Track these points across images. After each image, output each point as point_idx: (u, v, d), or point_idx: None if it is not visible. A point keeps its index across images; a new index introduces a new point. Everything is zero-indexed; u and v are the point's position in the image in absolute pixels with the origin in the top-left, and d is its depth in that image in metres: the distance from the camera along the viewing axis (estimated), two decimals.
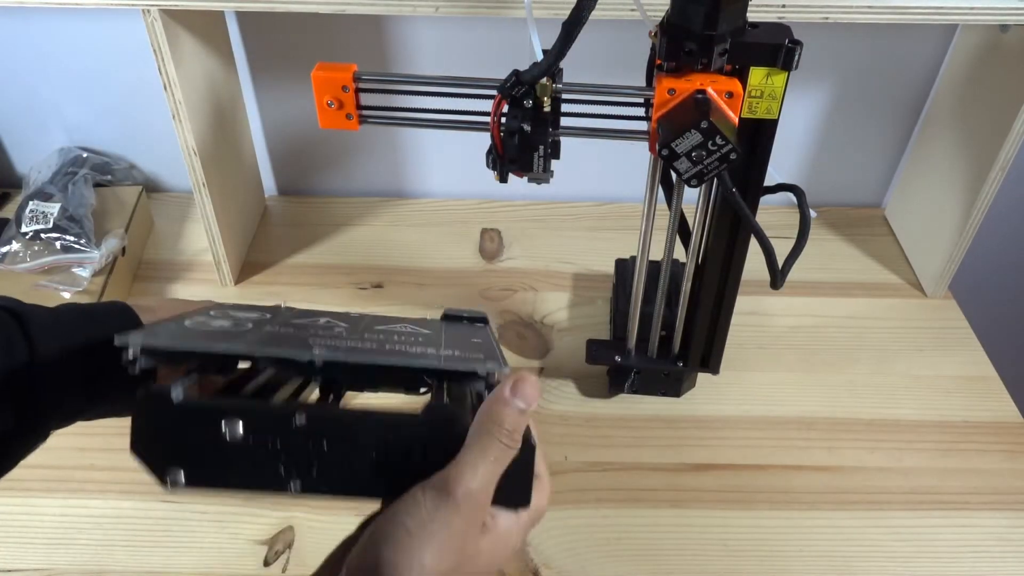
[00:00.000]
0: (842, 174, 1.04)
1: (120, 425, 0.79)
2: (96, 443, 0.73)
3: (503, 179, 0.62)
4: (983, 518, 0.70)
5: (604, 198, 1.05)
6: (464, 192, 1.05)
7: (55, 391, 0.42)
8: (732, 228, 0.65)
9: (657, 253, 0.68)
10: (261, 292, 0.90)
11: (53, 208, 0.85)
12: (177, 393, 0.34)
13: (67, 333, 0.42)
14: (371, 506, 0.37)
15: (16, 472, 0.70)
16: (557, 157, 0.61)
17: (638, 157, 0.69)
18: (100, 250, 0.84)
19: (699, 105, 0.53)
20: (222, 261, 0.88)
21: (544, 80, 0.56)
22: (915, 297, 0.92)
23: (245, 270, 0.93)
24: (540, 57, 0.56)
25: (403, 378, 0.39)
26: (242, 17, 0.91)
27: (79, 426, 0.74)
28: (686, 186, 0.57)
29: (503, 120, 0.58)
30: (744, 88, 0.55)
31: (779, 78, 0.55)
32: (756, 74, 0.55)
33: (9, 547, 0.66)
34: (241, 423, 0.34)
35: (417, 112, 0.62)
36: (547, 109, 0.58)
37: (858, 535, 0.68)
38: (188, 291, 0.90)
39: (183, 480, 0.35)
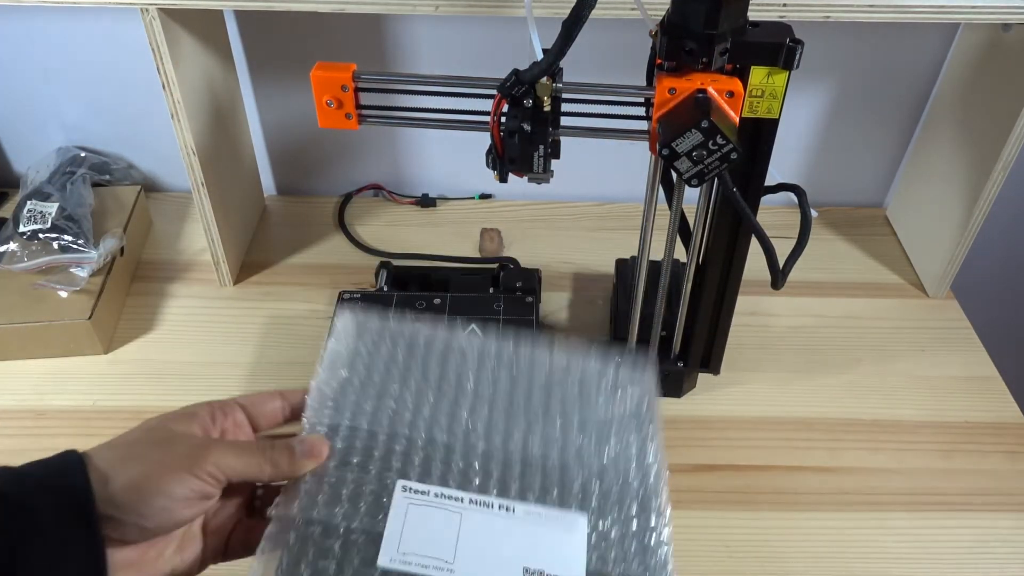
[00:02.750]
0: (843, 174, 1.04)
1: (120, 425, 0.79)
2: (95, 443, 0.73)
3: (503, 179, 0.62)
4: (985, 519, 0.70)
5: (604, 198, 1.04)
6: (464, 192, 1.05)
7: None
8: (733, 228, 0.65)
9: (657, 253, 0.67)
10: (260, 292, 0.90)
11: (51, 208, 0.85)
12: None
13: None
14: None
15: None
16: (557, 157, 0.60)
17: (638, 157, 0.69)
18: (98, 250, 0.84)
19: (700, 104, 0.53)
20: (221, 261, 0.88)
21: (544, 79, 0.56)
22: (917, 297, 0.92)
23: (244, 270, 0.92)
24: (540, 56, 0.56)
25: None
26: (241, 16, 0.91)
27: (78, 427, 0.74)
28: (686, 186, 0.57)
29: (503, 120, 0.58)
30: (745, 87, 0.55)
31: (780, 77, 0.55)
32: (757, 73, 0.55)
33: None
34: None
35: (417, 112, 0.62)
36: (547, 109, 0.57)
37: (859, 536, 0.68)
38: (187, 291, 0.90)
39: None
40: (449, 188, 1.05)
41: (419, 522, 0.43)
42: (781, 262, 0.60)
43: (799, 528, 0.68)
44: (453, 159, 1.03)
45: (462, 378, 0.50)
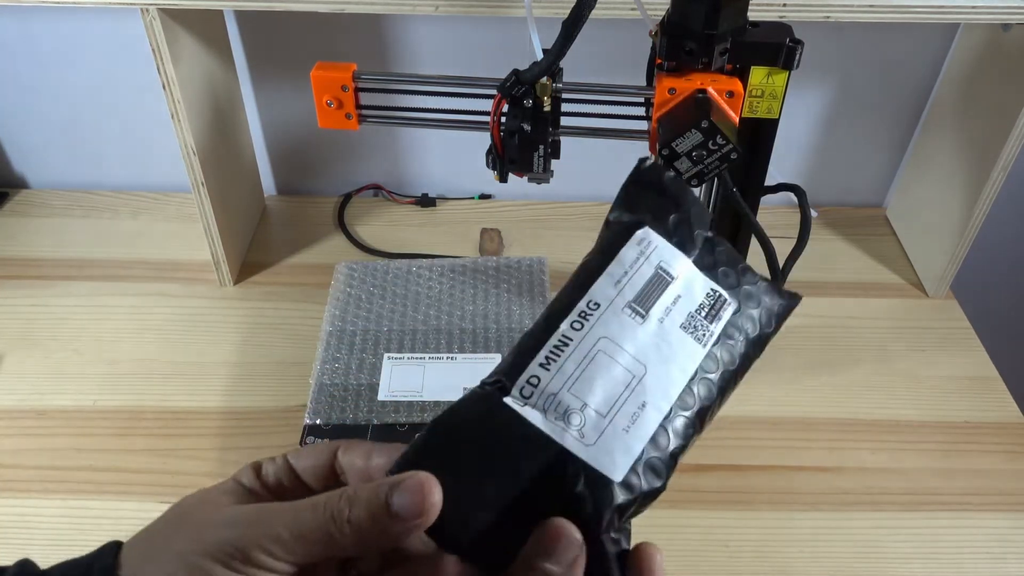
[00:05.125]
0: (843, 174, 1.04)
1: (120, 425, 0.79)
2: (95, 443, 0.73)
3: (503, 179, 0.62)
4: (984, 519, 0.70)
5: (604, 198, 1.04)
6: (464, 192, 1.05)
7: None
8: (733, 228, 0.65)
9: None
10: (260, 292, 0.90)
11: None
12: None
13: None
14: None
15: (15, 472, 0.70)
16: (557, 157, 0.60)
17: (638, 157, 0.69)
18: None
19: (700, 104, 0.53)
20: (221, 261, 0.88)
21: (544, 80, 0.56)
22: (916, 297, 0.92)
23: (244, 270, 0.92)
24: (540, 57, 0.56)
25: None
26: (241, 16, 0.91)
27: (78, 427, 0.74)
28: None
29: (503, 120, 0.58)
30: (745, 87, 0.55)
31: (780, 77, 0.55)
32: (757, 73, 0.55)
33: (8, 547, 0.66)
34: None
35: (417, 112, 0.62)
36: (547, 109, 0.57)
37: (859, 536, 0.68)
38: (187, 291, 0.90)
39: None
40: (449, 188, 1.05)
41: (399, 375, 0.72)
42: (781, 262, 0.60)
43: (798, 528, 0.68)
44: (453, 159, 1.03)
45: (420, 288, 0.83)
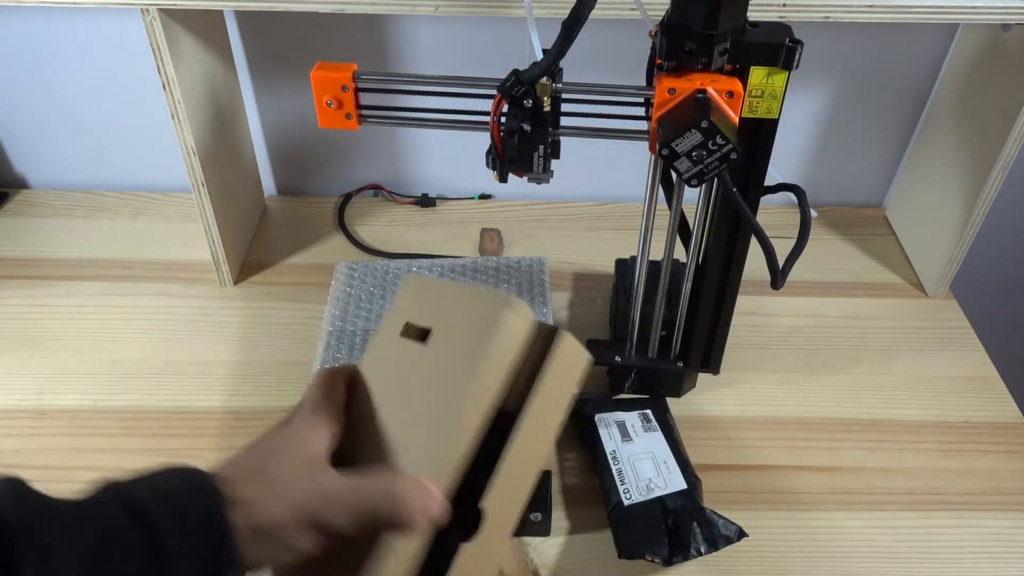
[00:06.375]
0: (843, 174, 1.04)
1: (120, 425, 0.79)
2: (95, 443, 0.73)
3: (503, 179, 0.62)
4: (984, 519, 0.70)
5: (604, 198, 1.04)
6: (464, 192, 1.05)
7: None
8: (732, 228, 0.65)
9: (657, 253, 0.67)
10: (261, 292, 0.90)
11: None
12: None
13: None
14: None
15: (15, 472, 0.70)
16: (557, 157, 0.60)
17: (638, 157, 0.69)
18: None
19: (699, 104, 0.53)
20: (221, 261, 0.88)
21: (544, 80, 0.56)
22: (916, 297, 0.92)
23: (244, 270, 0.92)
24: (540, 57, 0.56)
25: None
26: (242, 17, 0.91)
27: (78, 427, 0.74)
28: (686, 186, 0.57)
29: (503, 120, 0.58)
30: (744, 87, 0.55)
31: (780, 77, 0.55)
32: (757, 73, 0.55)
33: None
34: None
35: (417, 112, 0.62)
36: (547, 109, 0.57)
37: (859, 536, 0.68)
38: (187, 291, 0.90)
39: None
40: (449, 188, 1.05)
41: None
42: (781, 262, 0.60)
43: (798, 528, 0.69)
44: (453, 159, 1.03)
45: None
